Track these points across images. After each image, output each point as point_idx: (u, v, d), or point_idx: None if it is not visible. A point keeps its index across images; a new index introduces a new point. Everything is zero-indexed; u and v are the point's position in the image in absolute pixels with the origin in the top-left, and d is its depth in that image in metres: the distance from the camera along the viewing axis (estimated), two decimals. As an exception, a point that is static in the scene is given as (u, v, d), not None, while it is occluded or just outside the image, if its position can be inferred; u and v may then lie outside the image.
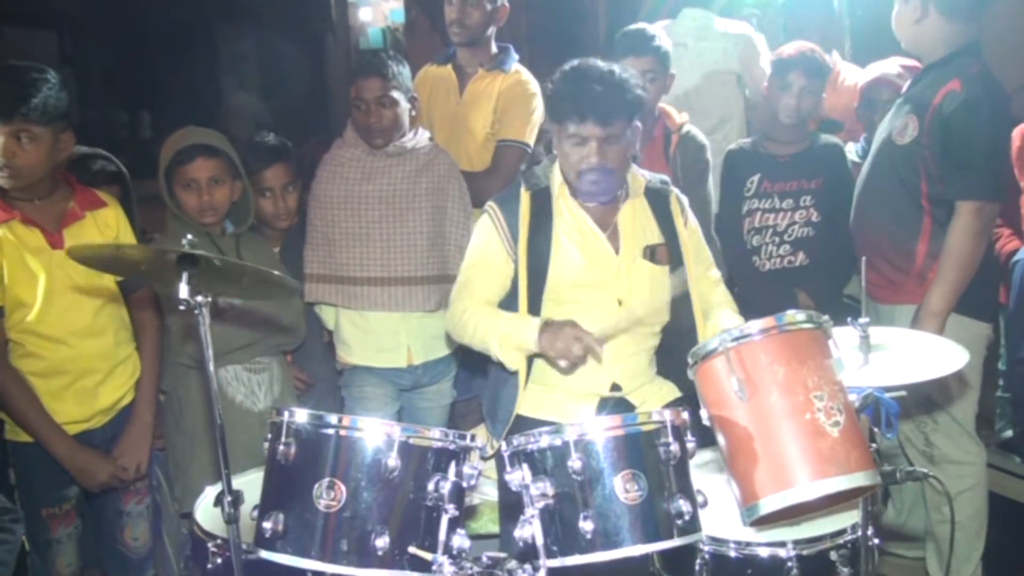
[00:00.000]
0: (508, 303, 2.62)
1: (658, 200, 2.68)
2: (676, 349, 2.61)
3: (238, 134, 6.81)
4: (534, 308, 2.58)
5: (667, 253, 2.64)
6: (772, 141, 3.50)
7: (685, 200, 2.75)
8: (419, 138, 3.14)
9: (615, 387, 2.60)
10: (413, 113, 3.12)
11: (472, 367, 3.17)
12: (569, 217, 2.61)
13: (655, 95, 3.27)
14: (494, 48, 3.53)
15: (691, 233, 2.71)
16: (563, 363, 2.38)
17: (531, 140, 3.39)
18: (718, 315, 2.67)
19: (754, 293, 3.36)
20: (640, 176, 2.69)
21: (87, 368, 2.77)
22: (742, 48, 4.21)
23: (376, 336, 3.11)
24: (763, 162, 3.48)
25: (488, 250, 2.62)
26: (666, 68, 3.31)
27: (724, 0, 4.49)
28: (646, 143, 3.31)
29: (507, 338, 2.49)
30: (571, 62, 2.53)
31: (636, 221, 2.63)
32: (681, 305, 2.65)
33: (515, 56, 3.52)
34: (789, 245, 3.43)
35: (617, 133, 2.45)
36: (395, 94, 3.02)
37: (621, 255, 2.59)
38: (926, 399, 3.09)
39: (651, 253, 2.62)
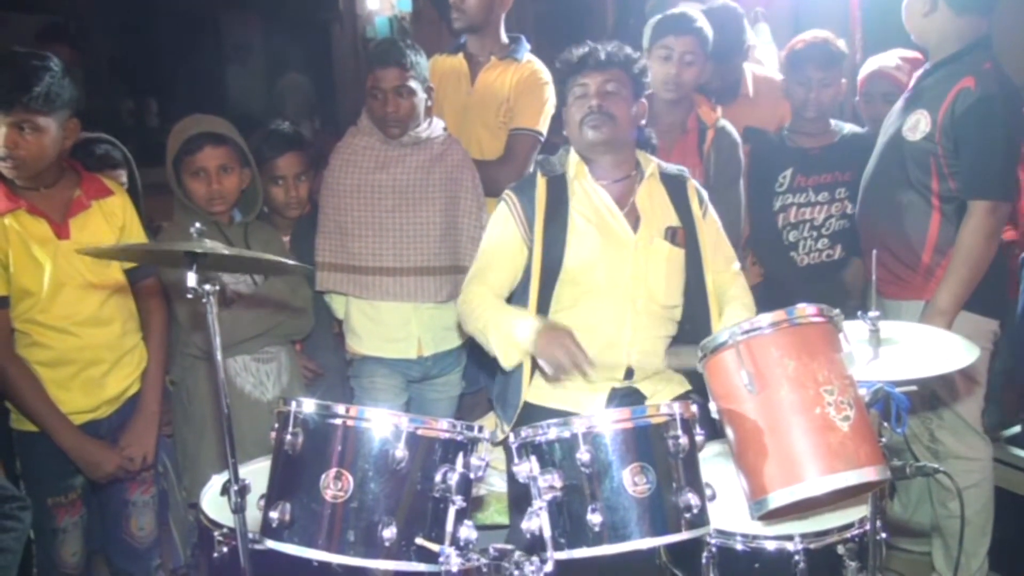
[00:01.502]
0: (521, 288, 2.64)
1: (675, 186, 2.71)
2: (688, 341, 2.61)
3: (291, 114, 6.84)
4: (546, 292, 2.60)
5: (685, 237, 2.65)
6: (799, 134, 3.48)
7: (704, 193, 2.76)
8: (433, 128, 3.13)
9: (629, 373, 2.61)
10: (429, 103, 3.11)
11: (480, 359, 3.16)
12: (584, 198, 2.63)
13: (692, 79, 3.23)
14: (505, 38, 3.51)
15: (709, 225, 2.72)
16: (548, 369, 2.40)
17: (544, 129, 3.37)
18: (729, 310, 2.68)
19: (794, 289, 3.31)
20: (653, 160, 2.72)
21: (93, 358, 2.76)
22: None
23: (387, 326, 3.11)
24: (794, 156, 3.46)
25: (504, 237, 2.64)
26: (705, 54, 3.24)
27: None
28: (679, 136, 3.28)
29: (506, 336, 2.51)
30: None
31: (654, 202, 2.66)
32: (694, 297, 2.65)
33: (527, 46, 3.50)
34: (827, 239, 3.44)
35: (614, 82, 2.57)
36: (413, 84, 3.01)
37: (639, 234, 2.61)
38: (931, 395, 3.09)
39: (672, 234, 2.64)
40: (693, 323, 2.67)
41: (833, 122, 3.51)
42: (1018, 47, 3.50)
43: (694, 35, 3.20)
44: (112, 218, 2.79)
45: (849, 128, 3.50)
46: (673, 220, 2.66)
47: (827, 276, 3.44)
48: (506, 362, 2.56)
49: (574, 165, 2.65)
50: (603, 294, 2.59)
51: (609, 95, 2.57)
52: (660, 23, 3.26)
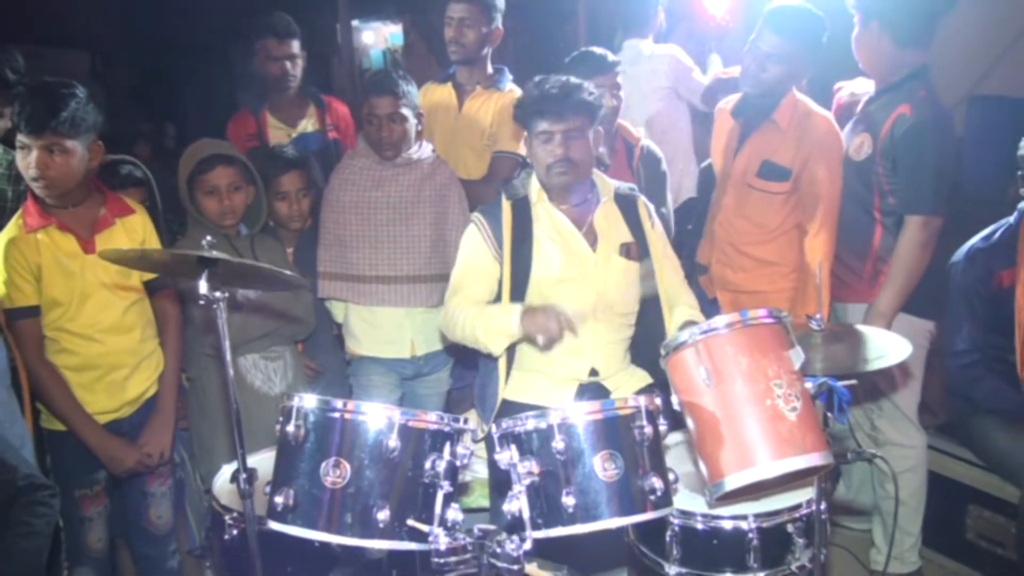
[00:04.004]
0: (494, 302, 2.62)
1: (627, 204, 2.71)
2: (647, 341, 2.63)
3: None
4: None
5: (638, 250, 2.66)
6: None
7: (652, 207, 2.77)
8: (423, 150, 3.14)
9: (593, 372, 2.62)
10: (419, 128, 3.12)
11: (465, 359, 3.17)
12: (547, 220, 2.63)
13: (613, 110, 3.21)
14: (490, 68, 3.52)
15: (658, 236, 2.73)
16: (541, 339, 2.40)
17: (523, 152, 3.37)
18: (679, 312, 2.68)
19: None
20: (609, 182, 2.71)
21: (116, 363, 2.75)
22: (668, 64, 4.22)
23: (383, 329, 3.11)
24: None
25: (476, 256, 2.63)
26: (613, 74, 3.22)
27: (659, 28, 4.50)
28: (611, 156, 3.29)
29: (491, 324, 2.51)
30: (534, 78, 2.59)
31: (610, 222, 2.66)
32: (651, 302, 2.67)
33: (509, 76, 3.52)
34: None
35: (577, 127, 2.50)
36: (404, 111, 3.02)
37: (598, 252, 2.61)
38: (873, 388, 3.11)
39: (626, 250, 2.63)
40: (648, 326, 2.68)
41: None
42: (951, 69, 3.52)
43: (611, 70, 3.20)
44: (133, 234, 2.79)
45: None
46: (627, 236, 2.66)
47: None
48: (496, 349, 2.54)
49: (535, 191, 2.64)
50: (566, 307, 2.58)
51: (573, 141, 2.51)
52: (580, 64, 3.17)
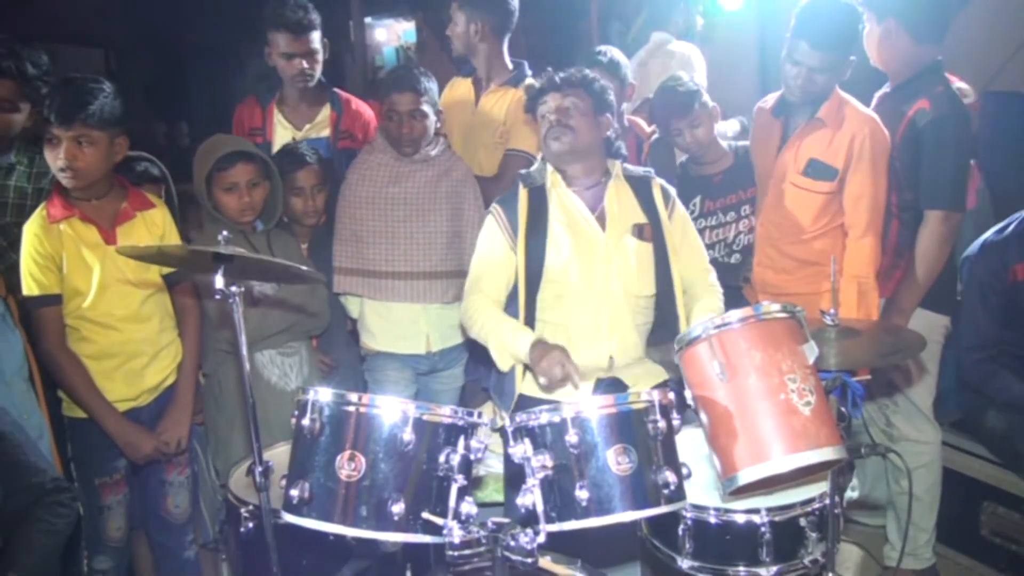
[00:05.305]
0: (513, 290, 2.64)
1: (640, 186, 2.70)
2: (656, 329, 2.63)
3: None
4: (532, 293, 2.60)
5: (651, 232, 2.65)
6: (699, 164, 3.37)
7: (672, 191, 2.75)
8: (440, 146, 3.15)
9: (611, 361, 2.61)
10: (438, 125, 3.12)
11: (479, 355, 3.17)
12: (560, 205, 2.63)
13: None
14: (510, 65, 3.49)
15: (675, 222, 2.70)
16: (543, 380, 2.40)
17: (536, 152, 3.36)
18: (699, 305, 2.66)
19: None
20: (617, 164, 2.72)
21: (135, 351, 2.78)
22: (679, 62, 4.27)
23: (398, 325, 3.12)
24: (699, 184, 3.34)
25: (493, 247, 2.64)
26: (619, 79, 3.25)
27: (683, 24, 4.53)
28: None
29: (503, 342, 2.52)
30: None
31: (621, 203, 2.65)
32: (662, 287, 2.66)
33: (528, 74, 3.48)
34: (739, 254, 3.30)
35: (572, 98, 2.58)
36: (425, 107, 3.02)
37: (608, 233, 2.61)
38: (888, 383, 3.10)
39: (639, 231, 2.63)
40: (661, 311, 2.67)
41: (725, 144, 3.36)
42: (967, 66, 3.50)
43: (596, 66, 3.23)
44: (153, 228, 2.82)
45: (741, 144, 3.35)
46: (640, 218, 2.65)
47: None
48: (502, 366, 2.57)
49: (550, 176, 2.66)
50: (581, 291, 2.59)
51: (567, 110, 2.57)
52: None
